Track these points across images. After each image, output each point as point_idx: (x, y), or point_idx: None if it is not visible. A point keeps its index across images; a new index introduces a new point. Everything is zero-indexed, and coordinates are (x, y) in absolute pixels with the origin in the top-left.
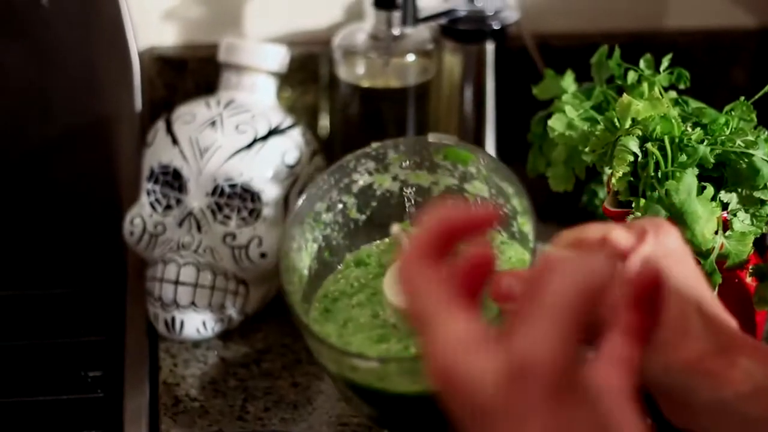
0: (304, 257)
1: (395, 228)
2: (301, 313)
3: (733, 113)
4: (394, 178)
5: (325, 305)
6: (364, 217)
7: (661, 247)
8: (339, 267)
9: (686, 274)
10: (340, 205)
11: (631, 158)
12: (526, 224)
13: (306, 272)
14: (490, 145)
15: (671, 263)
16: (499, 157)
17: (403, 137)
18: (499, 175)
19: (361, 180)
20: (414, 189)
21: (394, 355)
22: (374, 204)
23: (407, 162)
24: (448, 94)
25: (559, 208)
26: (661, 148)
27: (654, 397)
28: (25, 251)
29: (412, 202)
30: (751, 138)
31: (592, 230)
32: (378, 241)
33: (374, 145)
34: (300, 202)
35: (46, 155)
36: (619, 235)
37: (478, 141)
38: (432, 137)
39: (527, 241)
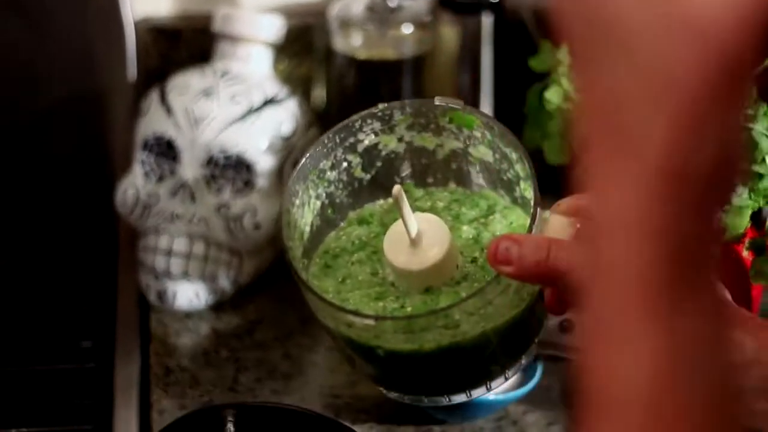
0: (306, 214)
1: (396, 189)
2: (299, 269)
3: None
4: (400, 139)
5: (325, 261)
6: (368, 176)
7: None
8: (341, 224)
9: None
10: (345, 164)
11: None
12: (527, 190)
13: (308, 229)
14: None
15: None
16: None
17: (410, 99)
18: (503, 141)
19: (367, 140)
20: (419, 151)
21: (390, 313)
22: (379, 164)
23: (413, 123)
24: (445, 66)
25: (555, 181)
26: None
27: None
28: (17, 221)
29: (417, 163)
30: (750, 111)
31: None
32: (381, 201)
33: (380, 106)
34: (303, 159)
35: (40, 125)
36: None
37: None
38: (438, 100)
39: (529, 206)
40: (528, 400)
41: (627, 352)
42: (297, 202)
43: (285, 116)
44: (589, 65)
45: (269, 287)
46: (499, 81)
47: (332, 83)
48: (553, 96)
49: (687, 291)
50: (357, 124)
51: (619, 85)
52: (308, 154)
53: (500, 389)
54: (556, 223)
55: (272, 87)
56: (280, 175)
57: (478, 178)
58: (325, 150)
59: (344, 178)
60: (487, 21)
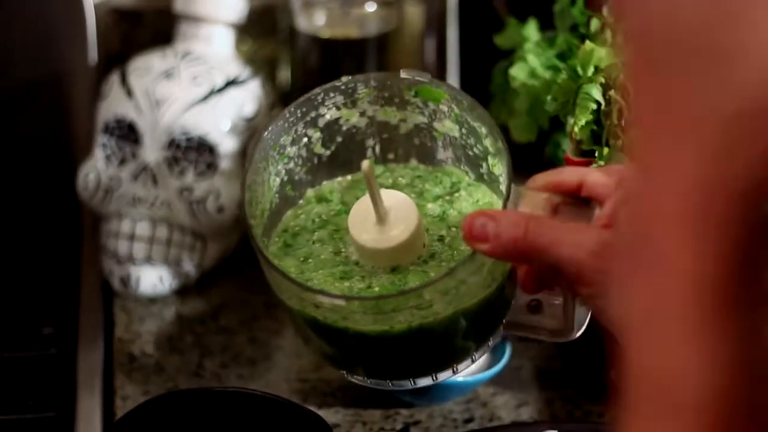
0: (266, 191)
1: (365, 164)
2: (263, 247)
3: None
4: (362, 114)
5: (284, 240)
6: (328, 152)
7: None
8: (300, 202)
9: None
10: (305, 139)
11: (594, 106)
12: (496, 165)
13: (268, 206)
14: None
15: None
16: None
17: (375, 72)
18: (473, 115)
19: (328, 114)
20: (381, 126)
21: (357, 293)
22: (339, 139)
23: (376, 97)
24: (410, 44)
25: (523, 160)
26: (625, 96)
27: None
28: None
29: (379, 139)
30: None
31: (569, 173)
32: (340, 178)
33: (344, 79)
34: (265, 134)
35: None
36: (597, 179)
37: None
38: (405, 73)
39: (496, 182)
40: (497, 381)
41: (685, 354)
42: (258, 179)
43: (247, 97)
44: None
45: (234, 271)
46: (465, 59)
47: (296, 63)
48: (518, 72)
49: (747, 290)
50: (319, 98)
51: (702, 95)
52: (269, 129)
53: (468, 371)
54: (532, 200)
55: (234, 68)
56: (244, 157)
57: (441, 154)
58: (286, 124)
59: (304, 153)
60: None
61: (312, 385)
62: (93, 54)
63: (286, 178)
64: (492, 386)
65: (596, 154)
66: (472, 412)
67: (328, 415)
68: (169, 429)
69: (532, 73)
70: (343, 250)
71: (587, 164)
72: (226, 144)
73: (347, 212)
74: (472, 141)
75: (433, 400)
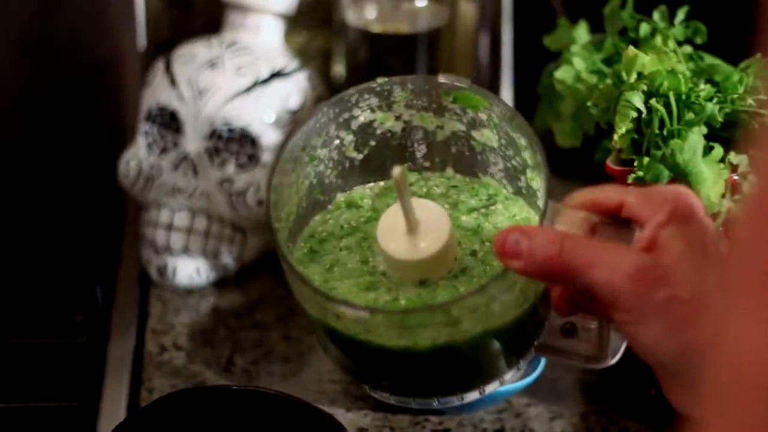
0: (293, 194)
1: (397, 170)
2: (287, 252)
3: (748, 70)
4: (398, 118)
5: (311, 246)
6: (360, 156)
7: (679, 218)
8: (329, 207)
9: (705, 249)
10: (337, 141)
11: (635, 114)
12: (534, 179)
13: (295, 209)
14: (507, 98)
15: (689, 236)
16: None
17: (413, 75)
18: (512, 125)
19: (362, 116)
20: (417, 132)
21: (383, 305)
22: (372, 143)
23: (413, 101)
24: (462, 41)
25: (568, 165)
26: (667, 105)
27: (658, 379)
28: (23, 193)
29: (414, 145)
30: (764, 97)
31: (608, 193)
32: (372, 184)
33: (380, 80)
34: (296, 134)
35: (48, 94)
36: (638, 200)
37: (494, 93)
38: (443, 78)
39: (534, 197)
40: (532, 391)
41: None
42: (285, 180)
43: (293, 89)
44: None
45: (275, 266)
46: (519, 58)
47: (347, 57)
48: (564, 75)
49: None
50: (353, 99)
51: None
52: (301, 129)
53: None
54: (570, 217)
55: (281, 59)
56: None
57: (479, 165)
58: (317, 125)
59: (335, 156)
60: None
61: (342, 387)
62: (142, 40)
63: (315, 181)
64: (527, 396)
65: (636, 164)
66: (504, 422)
67: (357, 418)
68: (183, 427)
69: (578, 77)
70: (371, 259)
71: (627, 173)
72: (269, 136)
73: (378, 220)
74: (511, 152)
75: (463, 408)
